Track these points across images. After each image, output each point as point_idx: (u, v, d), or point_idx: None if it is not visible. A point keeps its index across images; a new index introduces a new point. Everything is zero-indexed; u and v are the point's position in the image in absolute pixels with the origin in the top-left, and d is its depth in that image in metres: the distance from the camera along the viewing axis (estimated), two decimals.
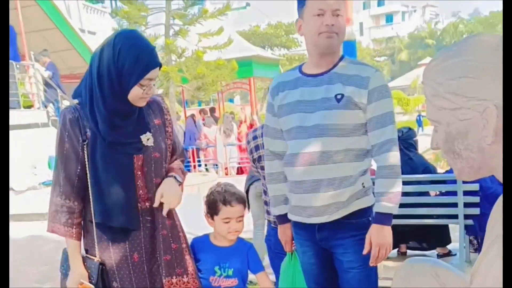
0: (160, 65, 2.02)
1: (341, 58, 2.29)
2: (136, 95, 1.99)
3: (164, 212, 2.09)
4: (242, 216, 2.41)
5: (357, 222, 2.27)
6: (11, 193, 8.84)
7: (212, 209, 2.38)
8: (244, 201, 2.43)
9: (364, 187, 2.27)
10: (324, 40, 2.18)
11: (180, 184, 2.18)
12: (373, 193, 2.29)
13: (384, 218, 2.20)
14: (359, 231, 2.25)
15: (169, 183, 2.13)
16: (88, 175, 2.03)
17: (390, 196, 2.19)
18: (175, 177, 2.16)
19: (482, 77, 1.01)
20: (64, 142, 2.02)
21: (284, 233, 2.51)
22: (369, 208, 2.29)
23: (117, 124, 2.02)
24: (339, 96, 2.18)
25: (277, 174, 2.43)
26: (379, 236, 2.19)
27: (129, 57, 1.94)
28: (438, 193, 4.58)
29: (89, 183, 2.03)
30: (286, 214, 2.43)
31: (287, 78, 2.35)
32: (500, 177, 1.06)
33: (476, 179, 1.15)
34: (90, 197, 2.04)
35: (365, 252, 2.21)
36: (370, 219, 2.27)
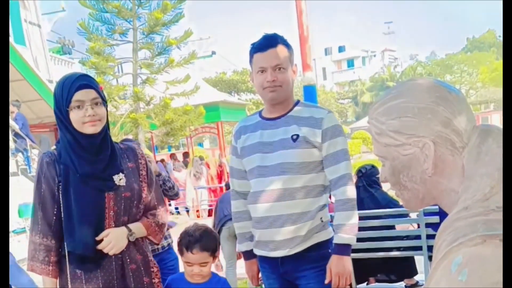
0: (89, 87, 2.09)
1: (297, 103, 2.47)
2: (77, 120, 2.08)
3: (107, 251, 2.13)
4: (206, 262, 2.44)
5: (318, 254, 2.39)
6: None
7: (179, 250, 2.47)
8: (211, 249, 2.43)
9: (322, 221, 2.41)
10: (268, 94, 2.38)
11: (132, 234, 2.19)
12: (331, 225, 2.42)
13: (342, 249, 2.33)
14: (320, 262, 2.37)
15: (119, 230, 2.16)
16: (62, 211, 2.11)
17: (348, 228, 2.32)
18: (128, 227, 2.20)
19: (419, 116, 1.11)
20: (42, 183, 2.12)
21: (250, 268, 2.62)
22: (329, 241, 2.42)
23: (88, 158, 2.13)
24: (295, 137, 2.35)
25: (242, 212, 2.57)
26: (338, 266, 2.31)
27: (58, 88, 2.11)
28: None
29: (62, 217, 2.11)
30: (251, 250, 2.54)
31: (249, 122, 2.53)
32: (443, 205, 1.17)
33: (422, 208, 1.29)
34: (63, 230, 2.11)
35: (326, 281, 2.33)
36: (330, 250, 2.38)
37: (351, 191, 2.36)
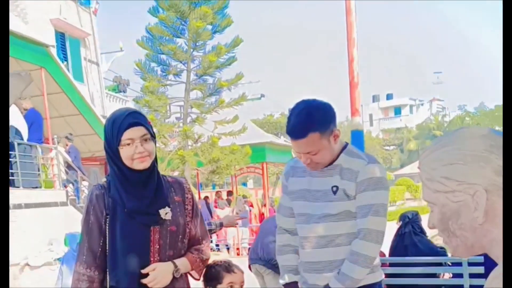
0: (138, 124, 2.12)
1: (345, 147, 2.47)
2: (127, 157, 2.11)
3: (151, 286, 2.15)
4: (243, 283, 2.56)
5: None
6: (27, 268, 9.02)
7: (215, 279, 2.50)
8: (242, 271, 2.59)
9: None
10: (310, 168, 2.43)
11: (177, 270, 2.22)
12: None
13: None
14: None
15: (165, 265, 2.19)
16: (107, 243, 2.16)
17: (343, 278, 2.36)
18: (174, 263, 2.22)
19: (471, 163, 1.08)
20: (90, 215, 2.17)
21: None
22: (376, 284, 2.48)
23: (134, 193, 2.16)
24: (334, 189, 2.41)
25: (285, 246, 2.64)
26: None
27: (108, 126, 2.15)
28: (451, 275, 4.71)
29: (107, 251, 2.16)
30: (292, 283, 2.60)
31: (298, 164, 2.55)
32: (492, 255, 1.12)
33: (470, 256, 1.22)
34: (107, 263, 2.16)
35: None
36: None
37: (363, 246, 2.36)
